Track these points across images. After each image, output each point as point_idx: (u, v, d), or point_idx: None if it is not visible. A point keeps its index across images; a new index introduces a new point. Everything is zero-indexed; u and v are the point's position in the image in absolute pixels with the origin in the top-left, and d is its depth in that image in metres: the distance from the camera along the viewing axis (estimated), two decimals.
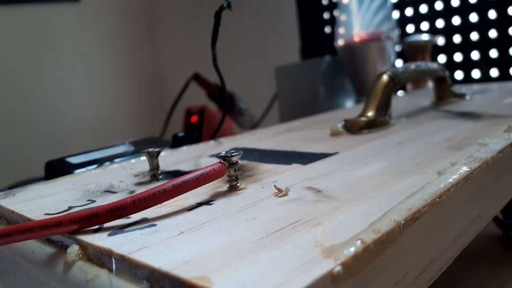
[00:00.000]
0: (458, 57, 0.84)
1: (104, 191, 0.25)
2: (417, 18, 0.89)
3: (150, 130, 1.22)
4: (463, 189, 0.21)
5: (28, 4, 1.25)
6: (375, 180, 0.22)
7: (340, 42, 0.80)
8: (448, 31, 0.85)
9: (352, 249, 0.14)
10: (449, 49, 0.85)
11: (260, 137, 0.40)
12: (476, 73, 0.83)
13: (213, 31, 0.37)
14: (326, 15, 1.05)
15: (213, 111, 0.83)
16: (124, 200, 0.18)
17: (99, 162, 0.40)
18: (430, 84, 0.73)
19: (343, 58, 0.81)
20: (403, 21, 0.91)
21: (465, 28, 0.83)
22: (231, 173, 0.22)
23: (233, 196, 0.21)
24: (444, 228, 0.19)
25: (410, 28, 0.91)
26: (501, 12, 0.78)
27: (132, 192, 0.25)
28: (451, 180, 0.20)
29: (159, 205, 0.20)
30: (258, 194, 0.21)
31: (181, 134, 0.44)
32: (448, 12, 0.84)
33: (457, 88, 0.52)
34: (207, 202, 0.21)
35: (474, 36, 0.82)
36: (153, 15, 1.55)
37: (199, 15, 1.37)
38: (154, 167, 0.27)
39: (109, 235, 0.17)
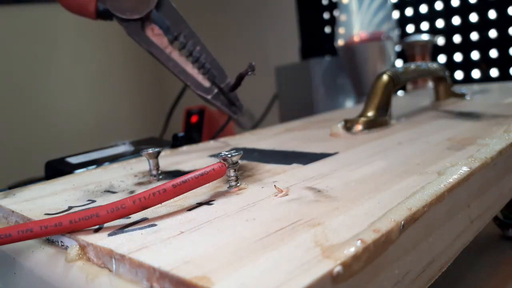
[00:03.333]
0: (458, 57, 0.84)
1: (104, 191, 0.25)
2: (417, 18, 0.90)
3: (150, 130, 1.22)
4: (463, 189, 0.21)
5: (28, 4, 1.25)
6: (375, 180, 0.22)
7: (340, 42, 0.80)
8: (448, 31, 0.85)
9: (352, 249, 0.14)
10: (449, 49, 0.85)
11: (260, 137, 0.40)
12: (476, 73, 0.83)
13: (232, 88, 0.37)
14: (326, 15, 1.05)
15: (213, 111, 0.83)
16: (124, 200, 0.18)
17: (99, 162, 0.40)
18: (430, 84, 0.73)
19: (343, 58, 0.81)
20: (403, 21, 0.91)
21: (465, 28, 0.83)
22: (231, 173, 0.22)
23: (233, 196, 0.21)
24: (444, 228, 0.19)
25: (410, 28, 0.91)
26: (501, 12, 0.78)
27: (132, 192, 0.25)
28: (451, 180, 0.20)
29: (159, 205, 0.20)
30: (258, 194, 0.21)
31: (181, 134, 0.44)
32: (448, 12, 0.85)
33: (457, 88, 0.52)
34: (207, 202, 0.21)
35: (474, 36, 0.82)
36: None
37: (199, 14, 1.37)
38: (154, 167, 0.27)
39: (109, 235, 0.17)
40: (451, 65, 0.85)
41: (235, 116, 0.39)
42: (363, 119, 0.37)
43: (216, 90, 0.38)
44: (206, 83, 0.38)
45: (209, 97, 0.38)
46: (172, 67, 0.37)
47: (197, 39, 0.37)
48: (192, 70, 0.38)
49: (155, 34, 0.36)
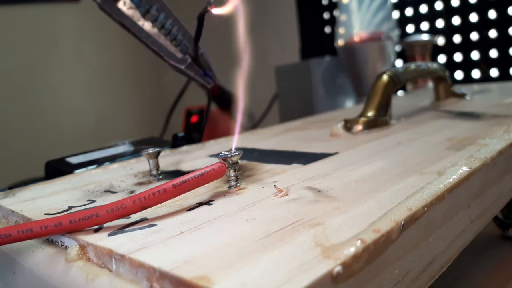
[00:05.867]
0: (458, 57, 0.84)
1: (104, 191, 0.25)
2: (417, 18, 0.90)
3: (150, 130, 1.22)
4: (463, 189, 0.21)
5: (28, 4, 1.25)
6: (375, 180, 0.22)
7: (340, 42, 0.80)
8: (448, 31, 0.85)
9: (352, 249, 0.14)
10: (449, 49, 0.85)
11: (260, 137, 0.40)
12: (476, 73, 0.83)
13: (196, 33, 0.37)
14: (326, 15, 1.06)
15: (213, 111, 0.83)
16: (124, 200, 0.18)
17: (99, 162, 0.40)
18: (430, 84, 0.73)
19: (343, 58, 0.81)
20: (403, 21, 0.91)
21: (465, 28, 0.83)
22: (231, 173, 0.22)
23: (233, 196, 0.21)
24: (444, 228, 0.19)
25: (410, 28, 0.91)
26: (501, 12, 0.78)
27: (132, 192, 0.25)
28: (451, 180, 0.20)
29: (159, 205, 0.20)
30: (258, 194, 0.21)
31: (181, 134, 0.44)
32: (448, 12, 0.85)
33: (457, 88, 0.52)
34: (207, 202, 0.21)
35: (474, 36, 0.82)
36: None
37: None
38: (154, 167, 0.27)
39: (109, 235, 0.17)
40: (451, 65, 0.85)
41: (209, 86, 0.39)
42: (363, 119, 0.37)
43: (189, 60, 0.38)
44: (179, 54, 0.38)
45: (182, 67, 0.37)
46: (144, 38, 0.37)
47: (168, 12, 0.37)
48: (164, 41, 0.37)
49: (127, 8, 0.36)
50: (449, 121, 0.37)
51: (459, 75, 0.85)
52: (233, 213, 0.19)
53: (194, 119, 0.82)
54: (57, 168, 0.39)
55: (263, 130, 0.44)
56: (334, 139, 0.34)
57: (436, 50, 0.85)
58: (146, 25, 0.37)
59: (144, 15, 0.37)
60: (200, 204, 0.20)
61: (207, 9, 0.33)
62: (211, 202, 0.21)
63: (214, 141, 0.40)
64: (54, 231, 0.17)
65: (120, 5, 0.36)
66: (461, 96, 0.50)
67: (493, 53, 0.80)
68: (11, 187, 0.29)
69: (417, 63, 0.45)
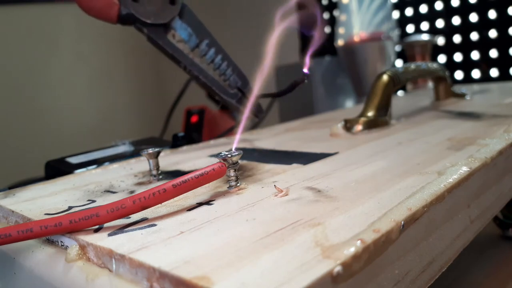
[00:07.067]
0: (458, 57, 0.84)
1: (104, 191, 0.25)
2: (417, 18, 0.90)
3: (150, 130, 1.22)
4: (463, 189, 0.21)
5: (28, 4, 1.25)
6: (375, 180, 0.22)
7: (340, 42, 0.80)
8: (448, 31, 0.85)
9: (352, 249, 0.14)
10: (449, 49, 0.85)
11: (260, 137, 0.40)
12: (476, 73, 0.83)
13: (281, 92, 0.38)
14: (326, 15, 1.05)
15: (213, 111, 0.83)
16: (124, 200, 0.18)
17: (99, 162, 0.40)
18: (430, 84, 0.73)
19: (343, 58, 0.81)
20: (403, 21, 0.91)
21: (465, 28, 0.83)
22: (231, 173, 0.22)
23: (233, 196, 0.21)
24: (444, 228, 0.19)
25: (410, 28, 0.91)
26: (501, 12, 0.78)
27: (132, 192, 0.25)
28: (451, 180, 0.20)
29: (159, 205, 0.20)
30: (258, 194, 0.21)
31: (181, 134, 0.44)
32: (448, 12, 0.85)
33: (457, 88, 0.52)
34: (207, 202, 0.21)
35: (474, 36, 0.82)
36: None
37: (199, 14, 1.37)
38: (154, 167, 0.27)
39: (109, 235, 0.17)
40: (451, 65, 0.85)
41: (257, 119, 0.40)
42: (363, 119, 0.37)
43: (240, 95, 0.39)
44: (230, 89, 0.39)
45: (233, 101, 0.38)
46: (197, 71, 0.37)
47: (218, 47, 0.38)
48: (214, 75, 0.38)
49: (176, 41, 0.36)
50: (449, 121, 0.37)
51: (459, 75, 0.85)
52: (233, 213, 0.19)
53: (194, 119, 0.81)
54: (57, 168, 0.39)
55: (263, 130, 0.44)
56: (334, 139, 0.34)
57: (436, 50, 0.85)
58: (195, 60, 0.37)
59: (193, 49, 0.37)
60: (200, 204, 0.20)
61: (305, 80, 0.34)
62: (211, 202, 0.21)
63: (214, 141, 0.40)
64: (54, 231, 0.17)
65: (169, 37, 0.36)
66: (461, 96, 0.50)
67: (493, 53, 0.80)
68: (11, 187, 0.29)
69: (417, 63, 0.45)
